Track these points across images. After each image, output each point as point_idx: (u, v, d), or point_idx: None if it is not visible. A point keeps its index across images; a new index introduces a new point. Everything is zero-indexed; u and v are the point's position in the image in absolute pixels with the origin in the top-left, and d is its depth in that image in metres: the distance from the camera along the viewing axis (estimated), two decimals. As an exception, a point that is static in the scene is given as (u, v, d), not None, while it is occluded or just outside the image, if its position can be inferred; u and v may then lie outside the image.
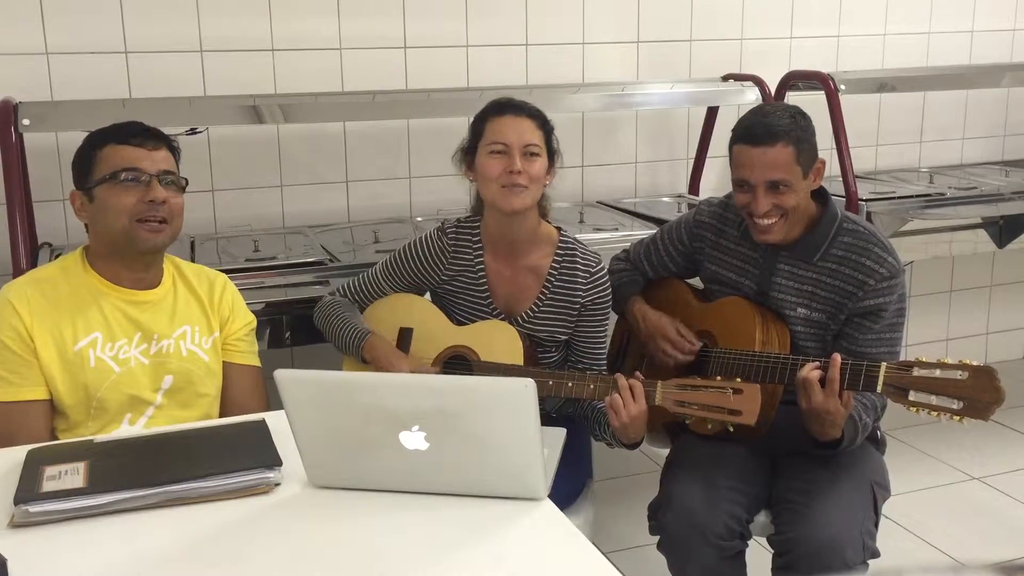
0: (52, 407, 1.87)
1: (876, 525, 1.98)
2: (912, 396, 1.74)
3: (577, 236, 2.81)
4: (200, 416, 1.95)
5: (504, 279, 2.16)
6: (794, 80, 3.31)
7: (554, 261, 2.15)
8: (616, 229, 2.99)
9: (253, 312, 2.13)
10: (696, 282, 2.29)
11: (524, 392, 1.34)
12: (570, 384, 1.98)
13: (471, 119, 2.18)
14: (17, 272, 2.37)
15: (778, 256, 2.07)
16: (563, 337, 2.17)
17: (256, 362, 2.09)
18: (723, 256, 2.17)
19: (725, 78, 3.41)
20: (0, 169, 2.50)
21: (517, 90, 3.16)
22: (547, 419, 1.53)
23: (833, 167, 3.27)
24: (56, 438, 1.86)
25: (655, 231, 2.36)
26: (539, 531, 1.38)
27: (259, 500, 1.47)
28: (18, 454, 1.56)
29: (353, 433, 1.43)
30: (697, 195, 3.48)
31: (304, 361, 2.89)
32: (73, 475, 1.46)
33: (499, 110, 2.11)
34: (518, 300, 2.16)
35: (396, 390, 1.42)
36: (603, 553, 1.33)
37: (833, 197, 2.11)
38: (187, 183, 1.98)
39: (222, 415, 2.00)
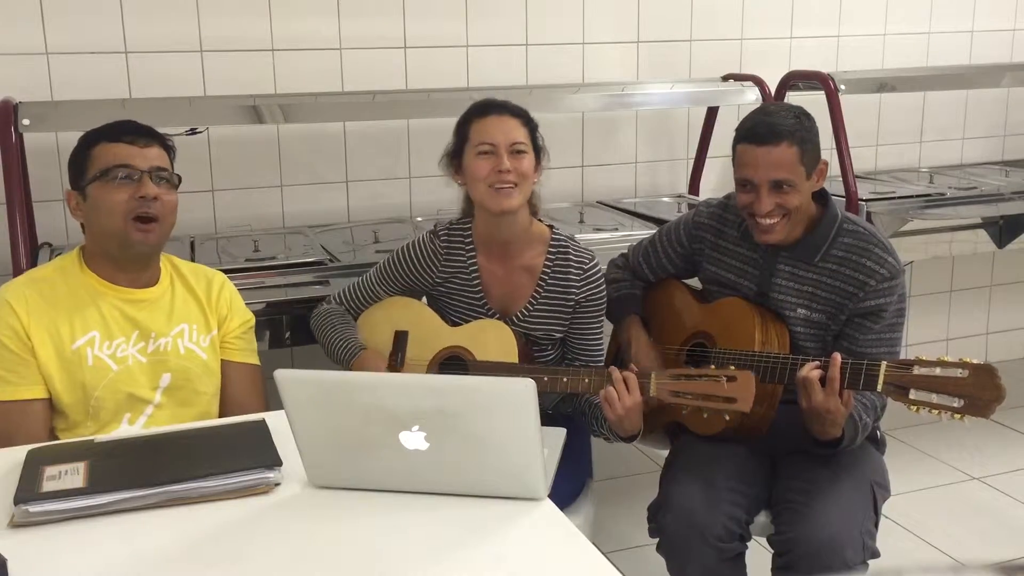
0: (51, 406, 1.87)
1: (876, 525, 1.98)
2: (913, 395, 1.74)
3: (577, 236, 2.82)
4: (199, 414, 1.95)
5: (498, 279, 2.17)
6: (794, 80, 3.31)
7: (547, 259, 2.15)
8: (616, 229, 2.99)
9: (253, 312, 2.14)
10: (695, 283, 2.29)
11: (524, 392, 1.34)
12: (565, 379, 1.99)
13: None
14: (17, 272, 2.37)
15: (778, 257, 2.07)
16: (558, 335, 2.17)
17: (255, 360, 2.09)
18: (722, 257, 2.17)
19: (725, 78, 3.41)
20: (0, 169, 2.51)
21: (517, 90, 3.19)
22: (547, 419, 1.53)
23: (833, 167, 3.25)
24: (55, 437, 1.87)
25: (654, 233, 2.36)
26: (539, 531, 1.38)
27: (259, 500, 1.47)
28: (18, 454, 1.56)
29: (353, 433, 1.43)
30: (697, 195, 3.48)
31: (304, 361, 2.89)
32: (73, 475, 1.46)
33: (482, 111, 2.11)
34: (513, 300, 2.16)
35: (396, 390, 1.42)
36: (603, 553, 1.33)
37: (833, 197, 2.11)
38: (180, 180, 1.98)
39: (221, 414, 2.00)
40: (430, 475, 1.44)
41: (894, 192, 3.43)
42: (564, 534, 1.38)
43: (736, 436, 2.04)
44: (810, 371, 1.83)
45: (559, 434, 1.85)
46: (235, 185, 3.05)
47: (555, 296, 2.14)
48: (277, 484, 1.50)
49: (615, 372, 1.91)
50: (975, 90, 3.97)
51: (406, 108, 2.99)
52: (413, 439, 1.41)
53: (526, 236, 2.15)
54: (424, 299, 2.25)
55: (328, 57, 3.06)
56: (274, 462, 1.50)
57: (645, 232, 2.75)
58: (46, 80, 2.80)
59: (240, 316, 2.07)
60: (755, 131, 1.98)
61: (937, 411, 1.72)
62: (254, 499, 1.47)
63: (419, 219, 3.14)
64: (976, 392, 1.69)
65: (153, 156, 1.92)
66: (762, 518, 2.04)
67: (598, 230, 2.99)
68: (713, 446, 2.06)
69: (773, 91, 3.30)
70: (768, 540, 2.00)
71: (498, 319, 2.14)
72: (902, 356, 1.93)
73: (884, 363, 1.78)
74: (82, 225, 1.97)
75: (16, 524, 1.39)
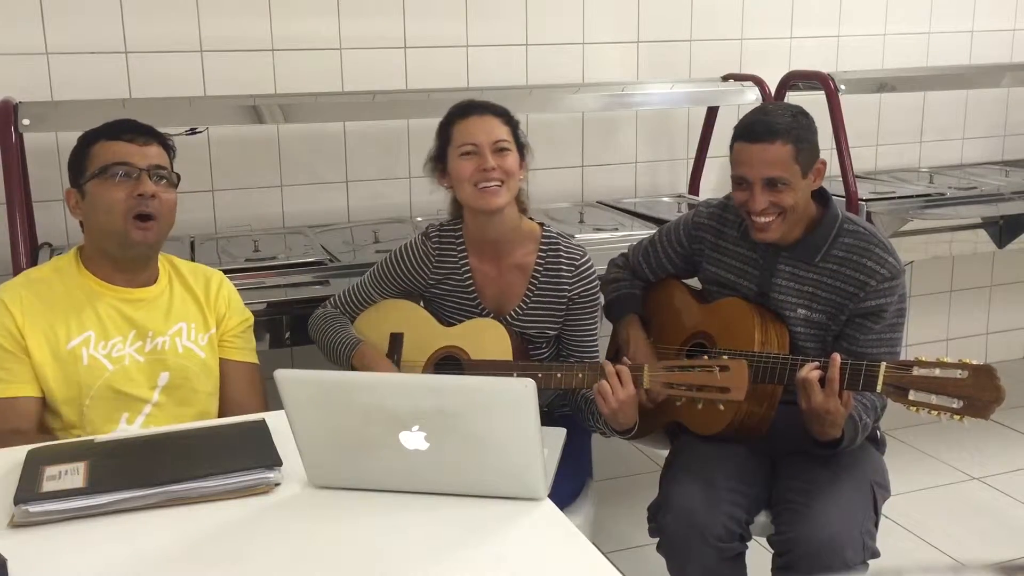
0: (44, 405, 1.87)
1: (876, 525, 1.98)
2: (912, 395, 1.74)
3: (577, 236, 2.83)
4: (198, 413, 1.95)
5: (491, 279, 2.17)
6: (794, 80, 3.31)
7: (538, 257, 2.15)
8: (616, 229, 2.99)
9: (253, 312, 2.14)
10: (695, 283, 2.29)
11: (524, 392, 1.34)
12: (559, 375, 2.00)
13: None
14: (17, 272, 2.36)
15: (778, 257, 2.07)
16: (553, 332, 2.17)
17: (253, 359, 2.09)
18: (722, 257, 2.17)
19: (725, 78, 3.41)
20: (0, 169, 2.51)
21: (517, 90, 3.19)
22: (547, 419, 1.53)
23: (833, 167, 3.26)
24: (51, 437, 1.86)
25: (654, 233, 2.36)
26: (539, 531, 1.38)
27: (259, 500, 1.47)
28: (18, 454, 1.56)
29: (353, 433, 1.43)
30: (697, 195, 3.48)
31: (304, 361, 2.89)
32: (73, 475, 1.46)
33: (463, 112, 2.12)
34: (506, 299, 2.17)
35: (396, 390, 1.42)
36: (603, 553, 1.33)
37: (833, 197, 2.11)
38: (179, 179, 1.98)
39: (220, 413, 2.00)
40: (430, 475, 1.44)
41: (894, 192, 3.43)
42: (564, 534, 1.38)
43: (736, 436, 2.04)
44: (809, 372, 1.83)
45: (559, 434, 1.85)
46: (235, 185, 3.05)
47: (548, 293, 2.14)
48: (277, 484, 1.50)
49: (608, 366, 1.92)
50: (975, 90, 3.97)
51: (406, 108, 2.99)
52: (413, 439, 1.41)
53: (516, 234, 2.15)
54: (420, 302, 2.26)
55: (328, 57, 3.06)
56: (274, 462, 1.50)
57: (645, 232, 2.75)
58: (46, 80, 2.80)
59: (239, 315, 2.08)
60: (750, 129, 1.99)
61: (936, 412, 1.72)
62: (254, 499, 1.47)
63: (419, 219, 3.14)
64: (975, 393, 1.69)
65: (152, 154, 1.92)
66: (762, 518, 2.04)
67: (598, 230, 2.99)
68: (713, 446, 2.06)
69: (773, 91, 3.30)
70: (768, 540, 2.00)
71: (492, 318, 2.15)
72: (902, 356, 1.94)
73: (883, 364, 1.78)
74: (81, 224, 1.97)
75: (16, 524, 1.39)
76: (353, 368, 2.11)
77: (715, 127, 3.43)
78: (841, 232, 2.03)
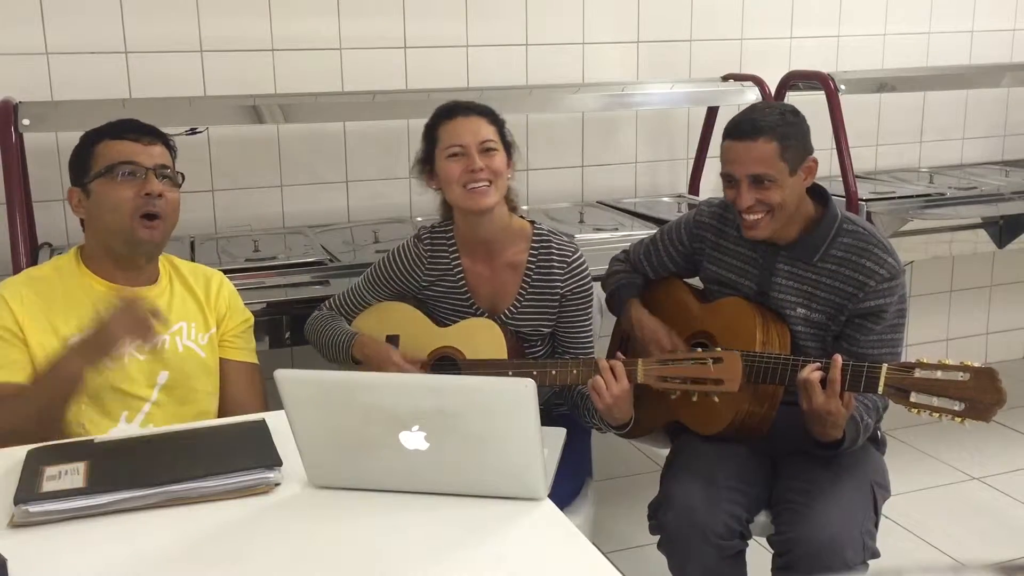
0: None
1: (876, 525, 1.98)
2: (914, 398, 1.74)
3: (577, 236, 2.83)
4: (197, 412, 1.95)
5: (484, 279, 2.17)
6: (794, 80, 3.31)
7: (530, 255, 2.15)
8: (616, 229, 2.99)
9: (253, 312, 2.14)
10: (696, 282, 2.29)
11: (524, 392, 1.34)
12: (553, 372, 2.00)
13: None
14: (17, 272, 2.36)
15: (778, 256, 2.07)
16: (547, 330, 2.18)
17: (253, 359, 2.09)
18: (723, 256, 2.17)
19: (725, 78, 3.41)
20: (0, 169, 2.51)
21: (517, 90, 3.19)
22: (546, 418, 1.53)
23: (833, 167, 3.27)
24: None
25: (655, 232, 2.36)
26: (539, 531, 1.38)
27: (259, 500, 1.47)
28: (18, 454, 1.56)
29: (353, 433, 1.43)
30: (697, 195, 3.48)
31: (304, 361, 2.89)
32: (73, 475, 1.46)
33: (448, 114, 2.12)
34: (500, 298, 2.17)
35: (396, 390, 1.42)
36: (603, 553, 1.33)
37: (833, 197, 2.11)
38: (183, 179, 1.99)
39: (220, 412, 2.01)
40: (430, 475, 1.44)
41: (894, 192, 3.43)
42: (564, 534, 1.38)
43: (737, 436, 2.05)
44: (811, 373, 1.83)
45: (559, 434, 1.85)
46: (235, 185, 3.05)
47: (541, 291, 2.15)
48: (277, 484, 1.50)
49: (602, 361, 1.93)
50: (975, 90, 3.97)
51: (406, 108, 2.99)
52: (413, 439, 1.41)
53: (507, 233, 2.16)
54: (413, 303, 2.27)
55: (328, 57, 3.06)
56: (274, 462, 1.50)
57: (645, 232, 2.75)
58: (46, 80, 2.80)
59: (239, 315, 2.08)
60: (736, 127, 2.01)
61: (938, 414, 1.72)
62: (254, 499, 1.47)
63: (419, 219, 3.14)
64: (977, 395, 1.68)
65: (157, 154, 1.93)
66: (762, 518, 2.04)
67: (598, 230, 2.99)
68: (714, 446, 2.06)
69: (773, 91, 3.30)
70: (768, 540, 2.00)
71: (487, 318, 2.15)
72: (902, 357, 1.94)
73: (885, 366, 1.78)
74: (82, 223, 1.97)
75: (16, 524, 1.39)
76: (354, 359, 2.11)
77: (715, 127, 3.42)
78: (840, 232, 2.03)
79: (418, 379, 1.69)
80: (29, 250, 2.54)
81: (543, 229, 2.18)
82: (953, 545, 2.83)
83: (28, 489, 1.42)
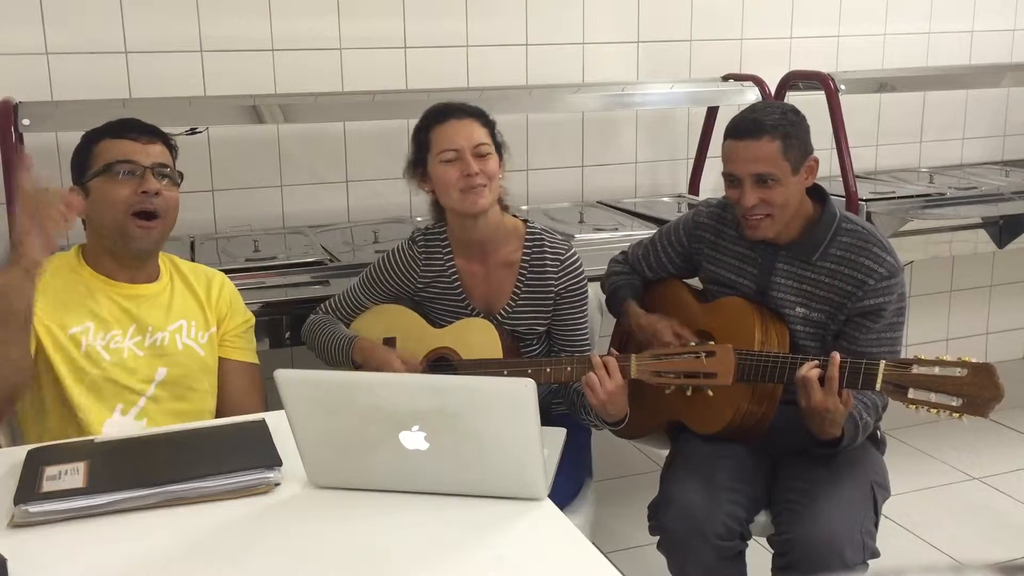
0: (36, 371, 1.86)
1: (876, 525, 1.98)
2: (911, 394, 1.74)
3: (577, 236, 2.83)
4: (194, 410, 1.96)
5: (479, 280, 2.18)
6: (794, 80, 3.31)
7: (524, 253, 2.15)
8: (616, 229, 2.99)
9: (253, 312, 2.14)
10: (695, 283, 2.29)
11: (524, 392, 1.34)
12: (548, 370, 2.01)
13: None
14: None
15: (777, 256, 2.08)
16: (542, 328, 2.18)
17: (254, 359, 2.09)
18: (722, 256, 2.17)
19: (725, 78, 3.41)
20: (0, 169, 2.51)
21: (517, 90, 3.19)
22: (546, 418, 1.54)
23: (833, 167, 3.27)
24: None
25: (653, 232, 2.36)
26: (539, 531, 1.38)
27: (259, 500, 1.47)
28: (18, 454, 1.56)
29: (353, 433, 1.43)
30: (697, 195, 3.48)
31: (304, 361, 2.88)
32: (73, 475, 1.46)
33: (440, 117, 2.11)
34: (495, 297, 2.17)
35: (396, 390, 1.42)
36: (603, 553, 1.33)
37: (833, 197, 2.12)
38: (182, 178, 1.99)
39: (219, 412, 2.01)
40: (430, 475, 1.44)
41: (894, 192, 3.43)
42: (564, 534, 1.38)
43: (736, 436, 2.05)
44: (809, 370, 1.84)
45: (559, 434, 1.85)
46: (235, 185, 3.05)
47: (535, 289, 2.15)
48: (277, 484, 1.50)
49: (595, 357, 1.93)
50: (975, 90, 3.97)
51: (406, 108, 2.98)
52: (413, 439, 1.41)
53: (501, 233, 2.16)
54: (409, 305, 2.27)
55: (328, 57, 3.06)
56: (274, 462, 1.51)
57: (645, 232, 2.75)
58: (46, 80, 2.80)
59: (240, 315, 2.08)
60: (738, 126, 2.01)
61: (936, 410, 1.72)
62: (254, 499, 1.47)
63: (419, 219, 3.14)
64: (975, 391, 1.69)
65: (156, 153, 1.94)
66: (762, 518, 2.04)
67: (598, 230, 2.99)
68: (714, 446, 2.06)
69: (773, 91, 3.30)
70: (768, 540, 2.00)
71: (482, 318, 2.15)
72: (902, 356, 1.94)
73: (883, 362, 1.78)
74: (83, 222, 1.97)
75: (16, 524, 1.39)
76: (354, 363, 2.11)
77: (715, 127, 3.42)
78: (839, 231, 2.03)
79: (418, 379, 1.69)
80: (29, 250, 2.53)
81: (536, 228, 2.19)
82: (953, 545, 2.83)
83: (28, 489, 1.42)
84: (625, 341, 2.34)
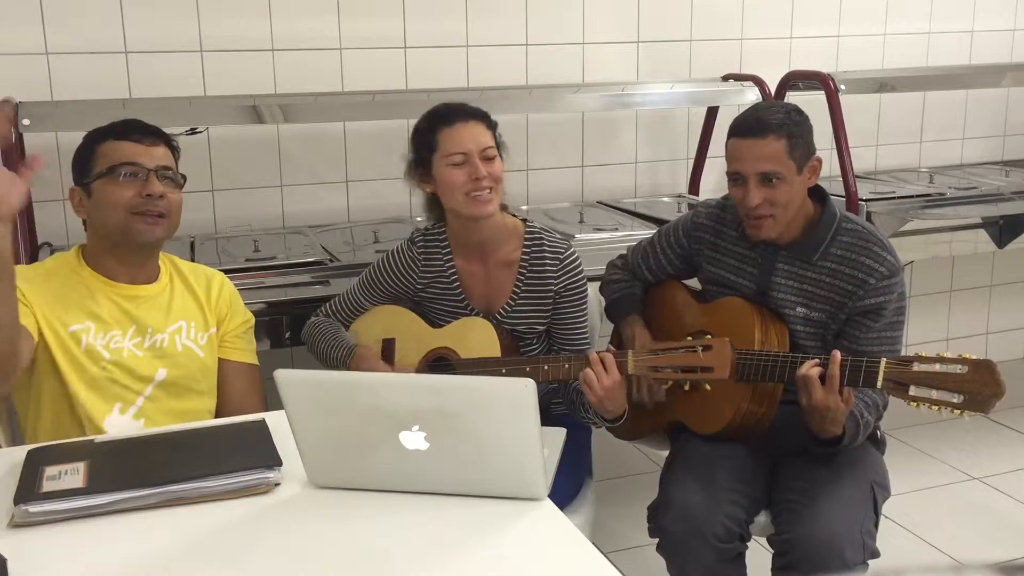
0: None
1: (876, 525, 1.98)
2: (912, 391, 1.74)
3: (577, 236, 2.83)
4: (191, 410, 1.96)
5: (478, 279, 2.18)
6: (794, 80, 3.31)
7: (523, 253, 2.16)
8: (616, 229, 2.99)
9: (253, 312, 2.14)
10: (695, 283, 2.29)
11: (524, 392, 1.34)
12: (546, 368, 2.01)
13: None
14: (17, 272, 2.37)
15: (777, 255, 2.08)
16: (542, 328, 2.18)
17: (253, 360, 2.09)
18: (721, 257, 2.17)
19: (725, 78, 3.41)
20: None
21: (517, 90, 3.19)
22: (546, 418, 1.54)
23: (833, 167, 3.27)
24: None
25: (652, 234, 2.36)
26: (539, 531, 1.38)
27: (259, 500, 1.47)
28: (18, 454, 1.56)
29: (353, 433, 1.43)
30: (697, 195, 3.48)
31: (304, 361, 2.88)
32: (73, 475, 1.46)
33: (447, 119, 2.10)
34: (495, 297, 2.17)
35: (396, 390, 1.42)
36: (603, 553, 1.33)
37: (833, 197, 2.12)
38: (185, 180, 1.99)
39: (219, 413, 2.01)
40: (430, 475, 1.44)
41: (894, 192, 3.43)
42: (564, 534, 1.38)
43: (736, 436, 2.05)
44: (810, 369, 1.84)
45: (559, 434, 1.85)
46: (235, 185, 3.05)
47: (534, 288, 2.15)
48: (277, 484, 1.50)
49: (592, 354, 1.93)
50: (975, 90, 3.97)
51: (406, 108, 2.98)
52: (413, 439, 1.41)
53: (500, 232, 2.16)
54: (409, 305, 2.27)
55: (328, 57, 3.06)
56: (274, 462, 1.50)
57: (645, 232, 2.75)
58: (46, 80, 2.80)
59: (240, 316, 2.08)
60: (743, 125, 2.01)
61: (937, 407, 1.72)
62: (254, 499, 1.47)
63: (419, 219, 3.14)
64: (975, 388, 1.69)
65: (159, 155, 1.94)
66: (762, 518, 2.04)
67: (598, 230, 2.99)
68: (713, 446, 2.06)
69: (773, 91, 3.30)
70: (768, 540, 2.00)
71: (481, 317, 2.15)
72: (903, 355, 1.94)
73: (884, 360, 1.78)
74: (84, 223, 1.98)
75: (16, 524, 1.39)
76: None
77: (715, 127, 3.42)
78: (840, 231, 2.03)
79: (418, 379, 1.69)
80: (29, 250, 2.54)
81: (535, 227, 2.19)
82: (953, 545, 2.83)
83: (28, 489, 1.42)
84: (619, 346, 2.34)
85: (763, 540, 2.04)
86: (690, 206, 2.81)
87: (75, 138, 2.00)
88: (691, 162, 3.55)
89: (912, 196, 3.39)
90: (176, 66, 2.90)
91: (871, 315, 1.98)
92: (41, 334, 1.85)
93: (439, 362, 2.14)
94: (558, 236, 2.20)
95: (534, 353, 2.20)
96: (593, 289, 2.31)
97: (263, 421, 1.65)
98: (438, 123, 2.11)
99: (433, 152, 2.10)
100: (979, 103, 4.01)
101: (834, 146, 3.14)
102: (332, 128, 3.13)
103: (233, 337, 2.06)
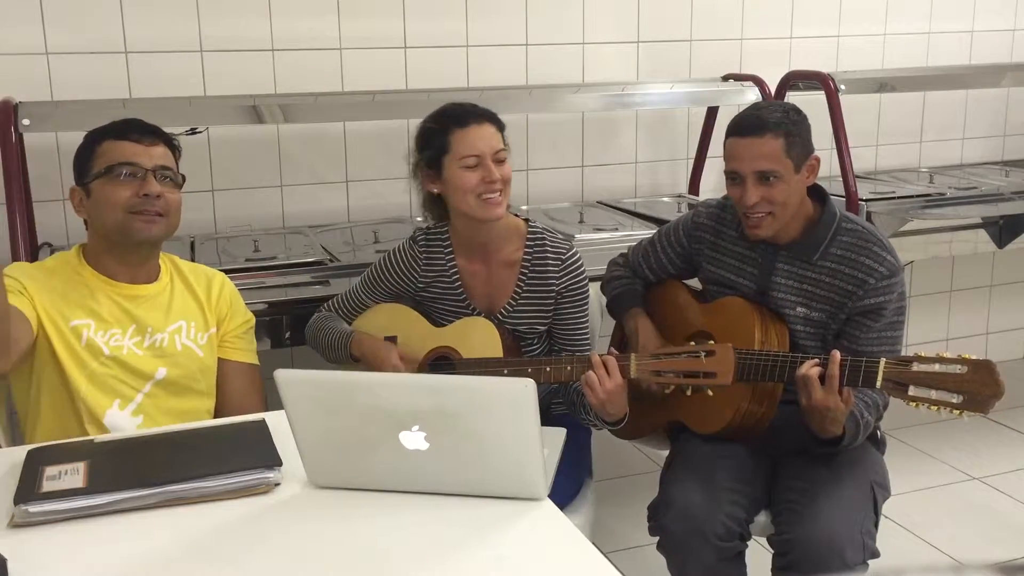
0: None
1: (876, 525, 1.98)
2: (912, 391, 1.74)
3: (577, 236, 2.83)
4: (190, 409, 1.96)
5: (480, 279, 2.18)
6: (794, 80, 3.31)
7: (525, 253, 2.16)
8: (616, 229, 2.99)
9: (253, 312, 2.14)
10: (695, 283, 2.29)
11: (524, 392, 1.34)
12: (548, 369, 2.01)
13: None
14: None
15: (777, 255, 2.08)
16: (543, 328, 2.18)
17: (254, 360, 2.10)
18: (722, 257, 2.17)
19: (725, 78, 3.41)
20: (0, 169, 2.51)
21: (517, 90, 3.19)
22: (546, 418, 1.54)
23: (833, 167, 3.27)
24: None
25: (653, 233, 2.36)
26: (539, 531, 1.38)
27: (259, 500, 1.47)
28: (18, 454, 1.56)
29: (353, 433, 1.43)
30: (697, 195, 3.48)
31: (304, 361, 2.89)
32: (73, 475, 1.46)
33: (460, 121, 2.09)
34: (497, 296, 2.17)
35: (396, 390, 1.42)
36: (603, 553, 1.33)
37: (833, 197, 2.12)
38: (184, 180, 1.99)
39: (219, 413, 2.01)
40: (430, 475, 1.44)
41: (894, 192, 3.43)
42: (564, 534, 1.38)
43: (736, 436, 2.05)
44: (809, 368, 1.84)
45: (559, 434, 1.85)
46: (235, 185, 3.05)
47: (536, 288, 2.15)
48: (277, 484, 1.50)
49: (595, 356, 1.93)
50: (975, 90, 3.97)
51: (406, 108, 2.99)
52: (413, 439, 1.41)
53: (503, 232, 2.16)
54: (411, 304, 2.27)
55: (328, 57, 3.06)
56: (274, 462, 1.50)
57: (645, 232, 2.75)
58: (46, 80, 2.80)
59: (241, 316, 2.09)
60: (741, 124, 2.02)
61: (936, 407, 1.72)
62: (254, 499, 1.47)
63: (419, 219, 3.14)
64: (975, 388, 1.69)
65: (158, 155, 1.94)
66: (762, 518, 2.04)
67: (598, 230, 2.99)
68: (713, 446, 2.06)
69: (773, 91, 3.30)
70: (768, 540, 2.00)
71: (483, 317, 2.15)
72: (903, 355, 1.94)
73: (883, 360, 1.78)
74: (85, 222, 1.98)
75: (16, 524, 1.39)
76: (353, 357, 2.11)
77: (715, 127, 3.42)
78: (840, 231, 2.03)
79: (418, 379, 1.69)
80: (29, 250, 2.54)
81: (537, 227, 2.19)
82: (953, 545, 2.83)
83: (28, 489, 1.42)
84: (625, 341, 2.34)
85: (763, 540, 2.04)
86: (690, 206, 2.81)
87: (75, 138, 2.00)
88: (691, 162, 3.55)
89: (912, 196, 3.39)
90: (176, 66, 2.90)
91: (871, 315, 1.98)
92: (42, 327, 1.86)
93: (441, 361, 2.14)
94: (560, 236, 2.20)
95: (535, 353, 2.20)
96: (594, 289, 2.32)
97: (263, 421, 1.65)
98: (450, 124, 2.10)
99: (445, 153, 2.09)
100: (979, 103, 4.01)
101: (834, 146, 3.14)
102: (332, 128, 3.13)
103: (233, 337, 2.06)
